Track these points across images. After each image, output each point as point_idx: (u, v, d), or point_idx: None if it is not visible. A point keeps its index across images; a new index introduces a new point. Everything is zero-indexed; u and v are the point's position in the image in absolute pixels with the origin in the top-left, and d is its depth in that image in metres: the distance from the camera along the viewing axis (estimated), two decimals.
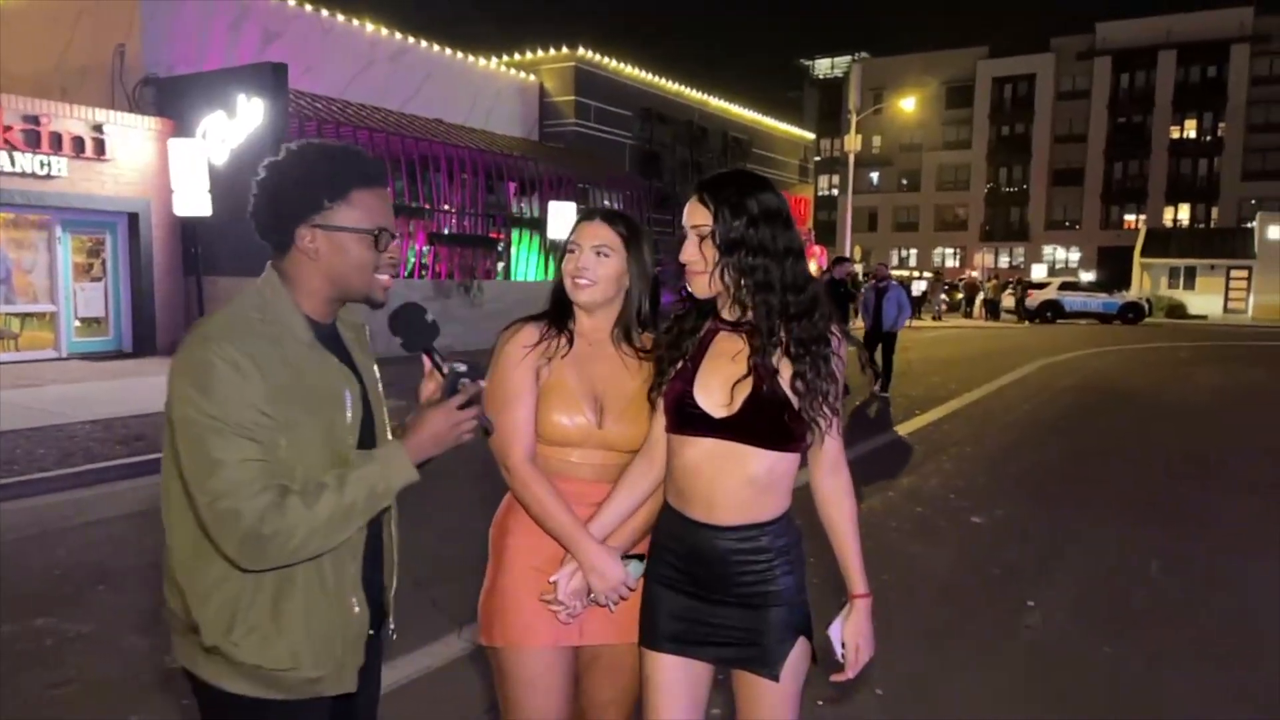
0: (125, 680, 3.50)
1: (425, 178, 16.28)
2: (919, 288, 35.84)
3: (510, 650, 1.97)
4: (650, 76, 27.32)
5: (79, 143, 12.77)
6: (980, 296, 35.68)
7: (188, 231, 11.63)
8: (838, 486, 1.90)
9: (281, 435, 1.50)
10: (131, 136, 13.44)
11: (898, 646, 3.72)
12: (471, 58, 22.35)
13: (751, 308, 1.82)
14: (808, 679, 1.91)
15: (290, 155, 1.60)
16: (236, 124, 13.22)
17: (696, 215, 1.83)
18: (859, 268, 31.80)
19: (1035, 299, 32.97)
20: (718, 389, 1.82)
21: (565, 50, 24.81)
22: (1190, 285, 41.49)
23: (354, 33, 19.03)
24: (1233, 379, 15.16)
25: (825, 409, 1.80)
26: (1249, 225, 42.73)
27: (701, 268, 1.82)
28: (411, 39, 20.35)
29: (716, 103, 30.49)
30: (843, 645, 1.89)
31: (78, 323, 13.56)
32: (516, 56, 25.22)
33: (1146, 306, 33.84)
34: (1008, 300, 34.54)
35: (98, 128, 13.01)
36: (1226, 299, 40.94)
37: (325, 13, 18.39)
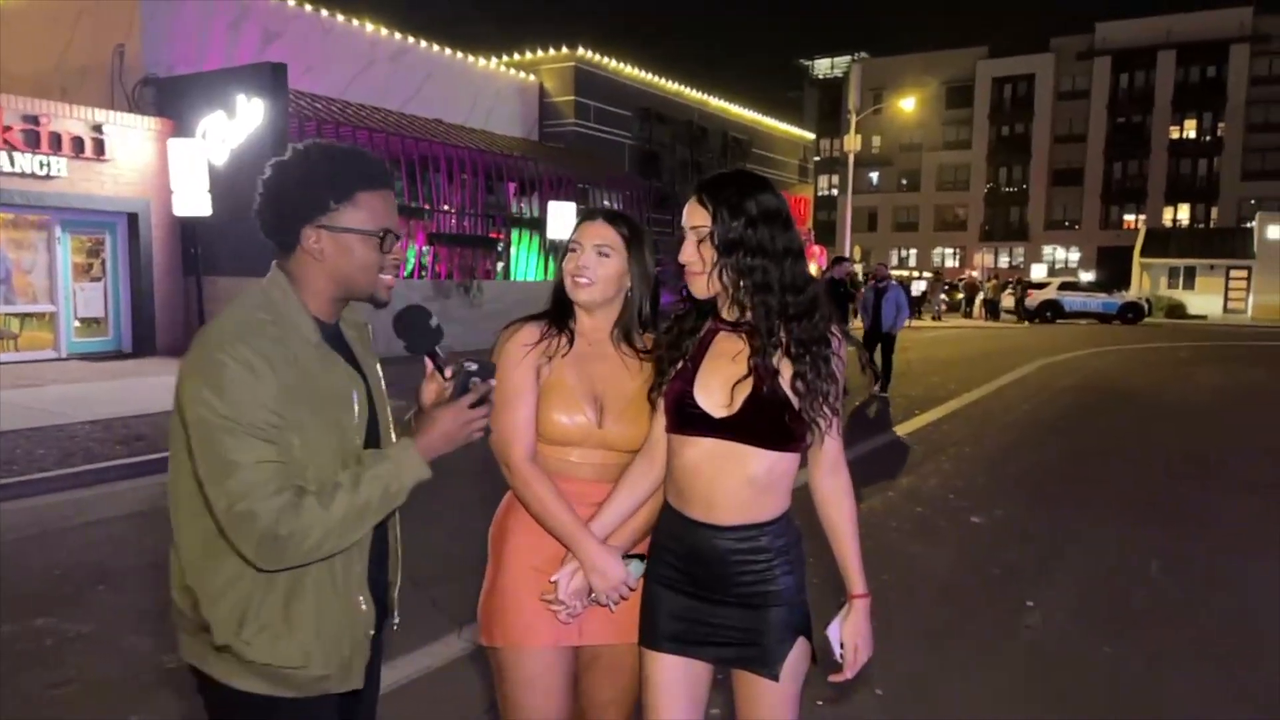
0: (125, 680, 3.50)
1: (425, 178, 16.28)
2: (919, 288, 35.83)
3: (510, 650, 1.97)
4: (650, 76, 27.32)
5: (78, 143, 12.77)
6: (980, 296, 35.69)
7: (187, 232, 11.63)
8: (837, 487, 1.89)
9: (294, 435, 1.51)
10: (131, 137, 13.44)
11: (897, 646, 3.73)
12: (471, 58, 22.35)
13: (750, 308, 1.82)
14: (807, 679, 1.91)
15: (296, 156, 1.62)
16: (236, 124, 13.21)
17: (695, 216, 1.83)
18: (859, 268, 31.80)
19: (1035, 299, 32.98)
20: (718, 389, 1.82)
21: (565, 50, 24.82)
22: (1190, 285, 41.49)
23: (354, 33, 19.03)
24: (1232, 379, 15.16)
25: (825, 409, 1.81)
26: (1248, 225, 42.74)
27: (700, 268, 1.83)
28: (411, 39, 20.35)
29: (716, 103, 30.49)
30: (841, 645, 1.89)
31: (77, 323, 13.56)
32: (516, 57, 25.23)
33: (1146, 306, 33.84)
34: (1007, 300, 34.54)
35: (97, 128, 13.01)
36: (1226, 299, 40.95)
37: (325, 13, 18.39)
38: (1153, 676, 3.75)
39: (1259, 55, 49.54)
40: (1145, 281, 41.57)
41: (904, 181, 60.39)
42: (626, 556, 1.93)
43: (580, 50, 24.80)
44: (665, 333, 1.96)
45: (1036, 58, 55.06)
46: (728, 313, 1.87)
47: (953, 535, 5.76)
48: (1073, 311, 32.37)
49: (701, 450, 1.83)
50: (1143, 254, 42.31)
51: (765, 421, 1.79)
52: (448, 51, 21.38)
